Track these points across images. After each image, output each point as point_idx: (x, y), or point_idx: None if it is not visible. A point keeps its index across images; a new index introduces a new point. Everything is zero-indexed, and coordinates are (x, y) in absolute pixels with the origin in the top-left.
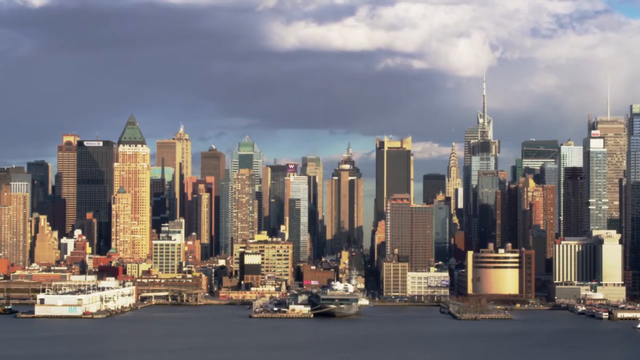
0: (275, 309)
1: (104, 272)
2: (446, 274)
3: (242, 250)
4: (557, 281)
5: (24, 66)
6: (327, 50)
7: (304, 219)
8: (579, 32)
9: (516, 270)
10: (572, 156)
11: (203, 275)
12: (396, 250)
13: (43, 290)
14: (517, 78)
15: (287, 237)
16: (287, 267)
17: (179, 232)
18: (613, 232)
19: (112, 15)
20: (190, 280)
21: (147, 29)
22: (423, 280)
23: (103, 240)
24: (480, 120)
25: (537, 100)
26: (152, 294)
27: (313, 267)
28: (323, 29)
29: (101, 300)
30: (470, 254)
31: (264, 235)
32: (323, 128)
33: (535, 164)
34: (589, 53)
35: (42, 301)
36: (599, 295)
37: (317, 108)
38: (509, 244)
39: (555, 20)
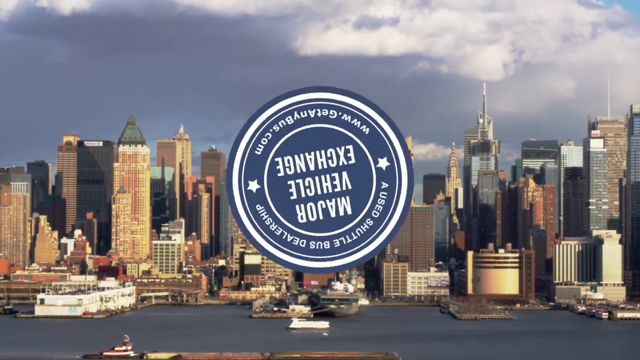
0: (275, 309)
1: (104, 272)
2: (446, 274)
3: (242, 250)
4: (557, 281)
5: (48, 72)
6: (359, 56)
7: None
8: (603, 39)
9: (516, 270)
10: (572, 156)
11: (203, 275)
12: (396, 250)
13: (43, 290)
14: (534, 82)
15: None
16: None
17: (179, 232)
18: (613, 232)
19: (138, 22)
20: (190, 280)
21: (174, 36)
22: (423, 280)
23: (103, 240)
24: (480, 121)
25: (554, 103)
26: (152, 294)
27: None
28: (358, 36)
29: (101, 300)
30: (470, 254)
31: None
32: None
33: (535, 164)
34: (608, 58)
35: (42, 301)
36: (599, 295)
37: None
38: (509, 244)
39: (584, 28)
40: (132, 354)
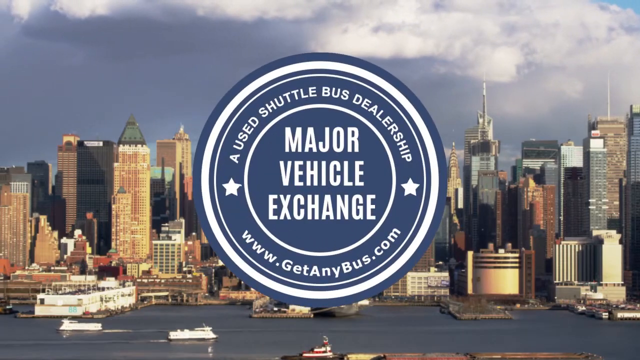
0: (275, 309)
1: (104, 272)
2: (446, 274)
3: None
4: (557, 281)
5: (59, 75)
6: (373, 59)
7: None
8: (617, 43)
9: (516, 270)
10: (572, 156)
11: (203, 275)
12: None
13: (43, 290)
14: (544, 84)
15: None
16: None
17: (179, 232)
18: (613, 232)
19: (155, 26)
20: (190, 280)
21: (188, 39)
22: (423, 280)
23: (103, 240)
24: (480, 121)
25: (561, 104)
26: (152, 294)
27: None
28: (374, 40)
29: (101, 300)
30: (470, 254)
31: None
32: None
33: (535, 164)
34: (618, 61)
35: (42, 301)
36: (599, 295)
37: None
38: (509, 244)
39: (599, 32)
40: (331, 355)
